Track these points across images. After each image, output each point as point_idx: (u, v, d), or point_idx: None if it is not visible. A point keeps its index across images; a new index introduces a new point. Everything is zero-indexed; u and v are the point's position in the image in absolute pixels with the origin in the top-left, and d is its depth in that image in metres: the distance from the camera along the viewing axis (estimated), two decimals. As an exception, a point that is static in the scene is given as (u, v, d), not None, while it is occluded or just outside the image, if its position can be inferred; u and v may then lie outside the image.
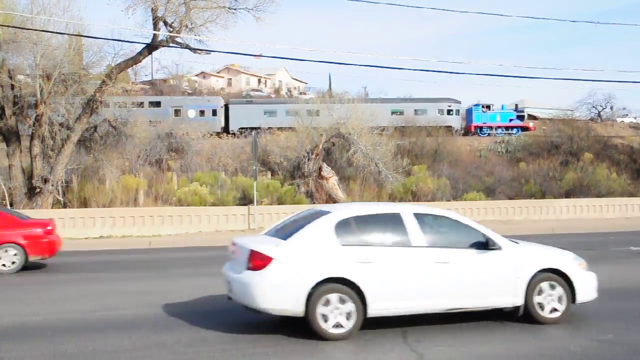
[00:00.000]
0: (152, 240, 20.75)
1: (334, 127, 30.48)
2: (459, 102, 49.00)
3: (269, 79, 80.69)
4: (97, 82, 24.87)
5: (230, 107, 45.96)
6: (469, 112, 49.65)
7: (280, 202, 27.21)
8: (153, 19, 23.84)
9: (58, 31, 23.51)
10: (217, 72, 77.12)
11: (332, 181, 29.15)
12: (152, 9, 23.64)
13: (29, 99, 24.73)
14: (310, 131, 30.71)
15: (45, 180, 23.71)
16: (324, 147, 29.77)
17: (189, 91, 62.33)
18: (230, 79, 77.54)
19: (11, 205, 23.45)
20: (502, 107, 49.47)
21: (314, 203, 27.96)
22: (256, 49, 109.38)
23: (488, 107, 48.20)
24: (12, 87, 24.09)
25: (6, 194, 23.66)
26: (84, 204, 25.10)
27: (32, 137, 24.44)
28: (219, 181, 28.66)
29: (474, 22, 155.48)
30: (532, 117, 62.60)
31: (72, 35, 23.83)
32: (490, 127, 47.71)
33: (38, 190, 23.68)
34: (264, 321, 8.26)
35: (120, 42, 23.92)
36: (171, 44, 24.79)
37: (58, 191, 24.69)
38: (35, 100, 24.05)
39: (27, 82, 24.86)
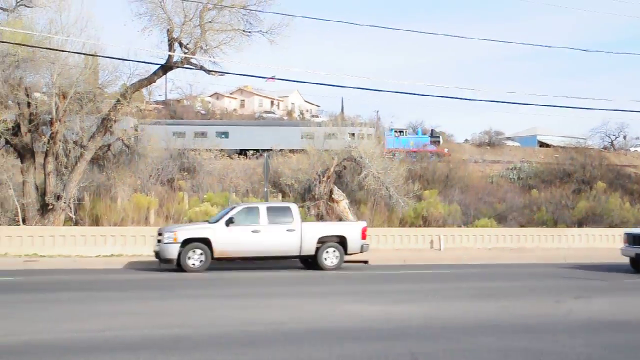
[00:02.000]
0: (162, 260, 20.70)
1: (345, 151, 30.54)
2: (372, 128, 49.61)
3: (282, 101, 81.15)
4: (112, 101, 25.08)
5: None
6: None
7: (291, 224, 27.13)
8: (168, 40, 24.12)
9: (75, 51, 23.82)
10: (231, 94, 77.68)
11: (343, 204, 29.11)
12: (168, 31, 23.93)
13: (44, 117, 24.98)
14: (322, 154, 30.78)
15: (58, 197, 23.84)
16: (335, 170, 29.80)
17: (203, 112, 62.72)
18: (244, 100, 78.07)
19: (24, 221, 23.58)
20: (418, 132, 50.46)
21: (324, 226, 27.91)
22: (269, 72, 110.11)
23: (401, 132, 48.79)
24: (29, 104, 24.36)
25: (19, 210, 23.80)
26: (96, 221, 25.20)
27: (46, 154, 24.63)
28: (230, 202, 28.69)
29: (487, 49, 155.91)
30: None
31: (88, 54, 24.12)
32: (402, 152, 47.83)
33: (51, 207, 23.81)
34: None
35: (135, 62, 24.03)
36: (186, 65, 25.03)
37: (70, 208, 24.81)
38: (51, 117, 24.28)
39: (43, 99, 25.15)
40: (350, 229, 19.68)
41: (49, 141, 24.47)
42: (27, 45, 22.37)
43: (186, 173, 33.94)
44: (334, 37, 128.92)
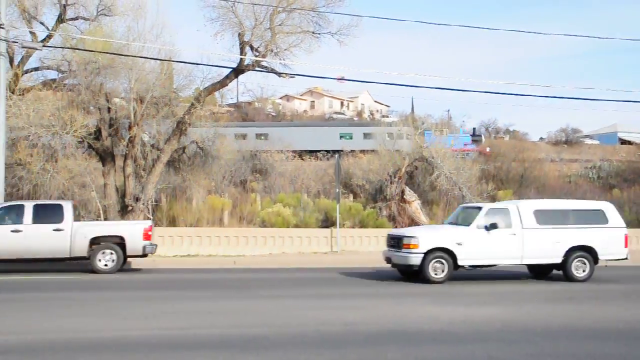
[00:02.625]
0: (236, 260, 21.08)
1: (417, 151, 30.21)
2: (412, 127, 48.45)
3: (352, 101, 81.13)
4: (186, 104, 25.67)
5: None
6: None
7: (363, 225, 27.09)
8: (240, 44, 24.49)
9: (151, 56, 24.54)
10: (301, 95, 78.28)
11: (415, 205, 28.81)
12: (239, 34, 24.30)
13: (123, 121, 25.83)
14: (393, 154, 30.56)
15: (137, 199, 24.60)
16: (407, 170, 29.52)
17: (273, 114, 63.48)
18: (314, 101, 78.52)
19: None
20: (461, 132, 49.26)
21: (396, 226, 27.67)
22: (339, 72, 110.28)
23: (441, 131, 47.65)
24: (109, 109, 25.24)
25: (101, 211, 24.69)
26: (173, 222, 25.87)
27: (125, 157, 25.45)
28: (301, 203, 28.89)
29: (564, 44, 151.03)
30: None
31: (163, 60, 24.79)
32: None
33: (130, 208, 24.58)
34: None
35: (208, 67, 24.63)
36: (257, 68, 25.35)
37: (148, 209, 25.54)
38: (129, 122, 25.06)
39: (122, 105, 25.99)
40: (130, 229, 17.97)
41: (127, 145, 25.27)
42: (107, 53, 23.20)
43: (258, 174, 34.39)
44: (403, 36, 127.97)
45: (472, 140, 48.75)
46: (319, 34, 24.90)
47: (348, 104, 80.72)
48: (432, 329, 9.62)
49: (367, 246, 24.11)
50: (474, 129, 53.64)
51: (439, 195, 30.06)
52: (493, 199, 31.17)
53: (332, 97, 79.48)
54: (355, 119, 69.84)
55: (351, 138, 44.58)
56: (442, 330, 9.52)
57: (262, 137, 43.76)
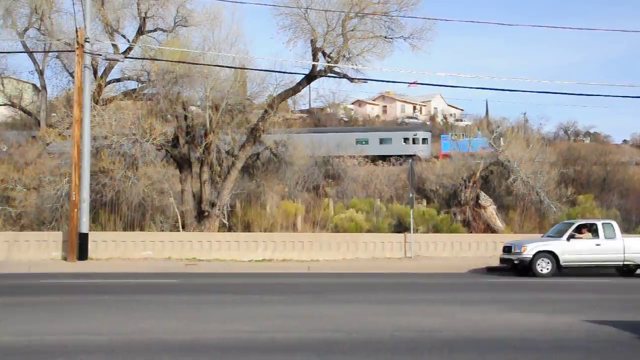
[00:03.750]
0: (310, 265, 21.22)
1: (492, 155, 29.57)
2: (429, 131, 46.80)
3: (425, 106, 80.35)
4: (259, 111, 26.10)
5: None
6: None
7: (437, 230, 26.74)
8: (312, 50, 24.70)
9: (226, 65, 25.09)
10: (373, 100, 78.12)
11: (491, 210, 28.21)
12: (312, 41, 24.51)
13: (200, 129, 26.51)
14: (467, 159, 30.04)
15: (213, 205, 25.17)
16: (482, 174, 28.93)
17: (345, 119, 63.63)
18: (386, 106, 78.23)
19: (183, 227, 25.14)
20: (478, 135, 47.22)
21: (470, 232, 27.19)
22: (411, 77, 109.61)
23: (460, 135, 46.72)
24: (186, 117, 25.97)
25: (179, 217, 25.39)
26: (247, 227, 26.30)
27: (201, 164, 26.11)
28: (374, 208, 28.81)
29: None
30: None
31: (238, 68, 25.30)
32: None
33: (206, 214, 25.18)
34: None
35: (281, 74, 24.91)
36: (329, 74, 25.51)
37: (224, 215, 26.10)
38: (205, 129, 25.70)
39: (198, 112, 26.70)
40: None
41: (203, 151, 25.91)
42: (183, 62, 23.90)
43: (331, 180, 34.54)
44: (478, 38, 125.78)
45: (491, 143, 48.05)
46: (391, 38, 24.81)
47: (421, 108, 79.99)
48: (511, 336, 9.36)
49: (441, 252, 23.79)
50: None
51: (516, 200, 29.29)
52: (572, 203, 30.13)
53: (404, 101, 78.94)
54: (428, 123, 69.07)
55: (367, 143, 44.30)
56: (521, 337, 9.25)
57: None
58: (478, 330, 9.90)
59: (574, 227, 19.94)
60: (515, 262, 19.52)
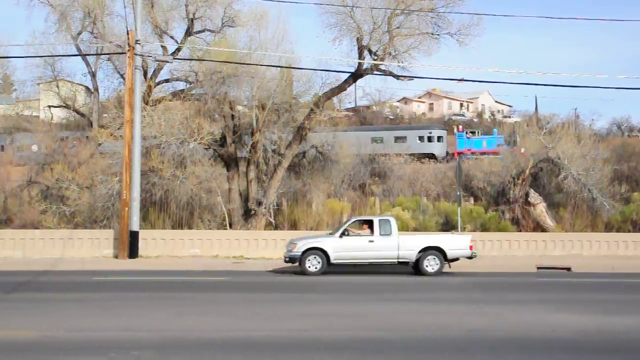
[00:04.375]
0: (356, 263, 21.17)
1: (541, 151, 29.01)
2: (444, 129, 45.95)
3: (472, 102, 79.25)
4: (305, 110, 26.20)
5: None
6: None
7: (484, 228, 26.38)
8: (358, 49, 24.65)
9: (272, 64, 25.28)
10: (419, 98, 77.44)
11: (540, 208, 27.67)
12: (358, 39, 24.46)
13: (246, 128, 26.79)
14: (516, 156, 29.55)
15: (259, 203, 25.40)
16: (531, 172, 28.41)
17: (391, 117, 63.29)
18: (432, 103, 77.49)
19: (230, 225, 25.45)
20: (494, 133, 47.65)
21: (520, 230, 26.73)
22: (458, 74, 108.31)
23: (473, 132, 47.31)
24: (233, 117, 26.28)
25: (226, 215, 25.72)
26: (293, 226, 26.45)
27: (248, 163, 26.38)
28: (420, 206, 28.60)
29: None
30: None
31: (284, 67, 25.45)
32: (473, 153, 44.07)
33: (253, 212, 25.43)
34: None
35: (327, 72, 24.93)
36: (375, 72, 25.41)
37: (270, 213, 26.30)
38: (252, 128, 25.95)
39: (245, 112, 26.99)
40: None
41: (250, 150, 26.18)
42: (230, 62, 24.17)
43: (377, 178, 34.43)
44: (526, 33, 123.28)
45: (507, 142, 48.22)
46: (437, 34, 24.55)
47: (468, 105, 78.91)
48: (562, 337, 9.18)
49: (489, 250, 23.40)
50: (513, 129, 52.78)
51: (566, 197, 28.64)
52: (627, 201, 29.33)
53: (451, 98, 78.01)
54: (475, 120, 68.12)
55: (382, 142, 44.23)
56: (573, 339, 9.07)
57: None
58: (527, 330, 9.74)
59: (348, 223, 18.95)
60: (286, 259, 18.51)
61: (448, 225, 26.60)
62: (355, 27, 24.23)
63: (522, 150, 46.73)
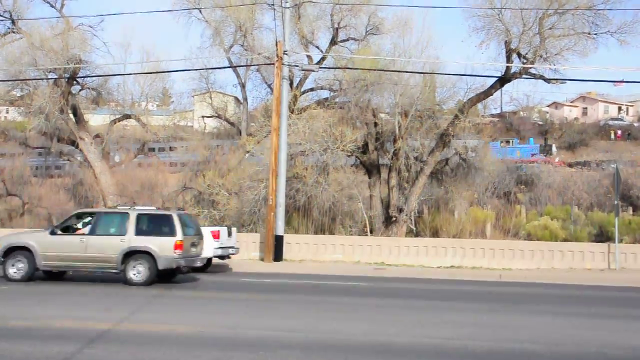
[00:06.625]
0: (502, 274, 20.42)
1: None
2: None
3: (632, 106, 73.83)
4: (449, 116, 25.74)
5: None
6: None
7: (645, 241, 24.44)
8: (506, 52, 23.84)
9: (415, 70, 25.09)
10: (571, 102, 73.42)
11: None
12: (506, 42, 23.66)
13: (388, 135, 26.80)
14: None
15: (400, 210, 25.28)
16: (701, 181, 25.91)
17: (540, 123, 60.55)
18: (586, 108, 73.11)
19: (371, 232, 25.52)
20: (530, 142, 47.79)
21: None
22: (617, 75, 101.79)
23: (508, 141, 46.25)
24: (375, 124, 26.42)
25: (367, 222, 25.86)
26: (435, 233, 26.07)
27: (389, 170, 26.36)
28: (571, 216, 27.05)
29: None
30: None
31: (427, 73, 25.19)
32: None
33: (394, 219, 25.36)
34: None
35: (472, 77, 24.33)
36: (524, 76, 24.45)
37: (411, 220, 26.11)
38: (394, 135, 25.93)
39: (387, 119, 27.03)
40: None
41: (392, 157, 26.16)
42: (374, 70, 24.34)
43: (523, 186, 33.05)
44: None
45: (541, 150, 47.61)
46: (595, 34, 23.19)
47: (627, 108, 73.52)
48: None
49: (651, 265, 21.61)
50: (545, 139, 51.37)
51: None
52: None
53: (607, 102, 73.09)
54: (636, 124, 63.31)
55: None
56: None
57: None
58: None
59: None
60: None
61: (602, 237, 24.96)
62: (504, 30, 23.47)
63: (557, 160, 44.50)
